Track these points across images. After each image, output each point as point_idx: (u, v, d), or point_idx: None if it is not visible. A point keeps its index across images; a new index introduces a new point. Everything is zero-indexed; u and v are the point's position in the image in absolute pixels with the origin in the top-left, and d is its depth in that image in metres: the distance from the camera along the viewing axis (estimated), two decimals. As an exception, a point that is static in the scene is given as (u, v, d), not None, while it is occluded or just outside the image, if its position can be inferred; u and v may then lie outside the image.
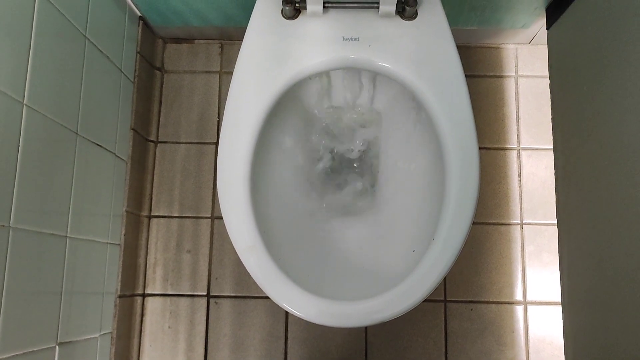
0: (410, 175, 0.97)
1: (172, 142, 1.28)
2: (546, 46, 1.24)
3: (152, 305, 1.21)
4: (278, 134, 0.96)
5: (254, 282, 1.19)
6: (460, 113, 0.83)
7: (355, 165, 1.07)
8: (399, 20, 0.86)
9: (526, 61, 1.30)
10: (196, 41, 1.32)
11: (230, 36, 1.30)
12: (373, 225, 0.99)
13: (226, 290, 1.21)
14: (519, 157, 1.26)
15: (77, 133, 0.92)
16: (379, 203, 1.02)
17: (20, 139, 0.75)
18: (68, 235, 0.90)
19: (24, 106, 0.76)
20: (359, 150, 1.07)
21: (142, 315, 1.21)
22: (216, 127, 1.29)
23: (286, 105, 0.97)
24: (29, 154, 0.77)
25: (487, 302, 1.21)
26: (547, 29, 1.15)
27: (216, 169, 0.83)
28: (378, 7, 0.84)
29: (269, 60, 0.85)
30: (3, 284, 0.72)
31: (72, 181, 0.91)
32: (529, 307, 1.20)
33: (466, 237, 0.79)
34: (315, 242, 0.96)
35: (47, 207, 0.83)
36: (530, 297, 1.21)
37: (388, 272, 0.86)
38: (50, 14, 0.82)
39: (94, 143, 0.99)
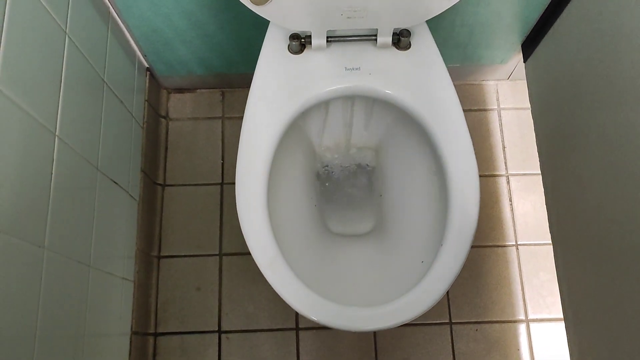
0: (412, 194, 1.04)
1: (179, 185, 1.33)
2: (523, 81, 1.36)
3: (164, 344, 1.22)
4: (288, 160, 1.03)
5: (265, 315, 1.23)
6: (456, 130, 0.90)
7: (359, 186, 1.13)
8: (394, 50, 0.95)
9: (507, 95, 1.41)
10: (198, 90, 1.40)
11: (231, 84, 1.38)
12: (381, 243, 1.04)
13: (237, 325, 1.24)
14: (508, 182, 1.34)
15: (97, 168, 0.97)
16: (385, 222, 1.08)
17: (53, 167, 0.81)
18: (91, 265, 0.93)
19: (56, 137, 0.82)
20: (361, 173, 1.14)
21: (155, 354, 1.21)
22: (220, 169, 1.35)
23: (293, 135, 1.04)
24: (60, 181, 0.82)
25: (491, 322, 1.25)
26: (524, 62, 1.26)
27: (234, 191, 0.88)
28: (376, 39, 0.93)
29: (280, 91, 0.92)
30: (38, 305, 0.75)
31: (94, 213, 0.95)
32: (532, 325, 1.25)
33: (472, 241, 0.85)
34: (327, 261, 1.01)
35: (74, 235, 0.87)
36: (531, 315, 1.25)
37: (400, 281, 0.91)
38: (76, 55, 0.90)
39: (112, 180, 1.04)
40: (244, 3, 0.84)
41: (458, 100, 0.92)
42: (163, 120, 1.37)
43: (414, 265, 0.91)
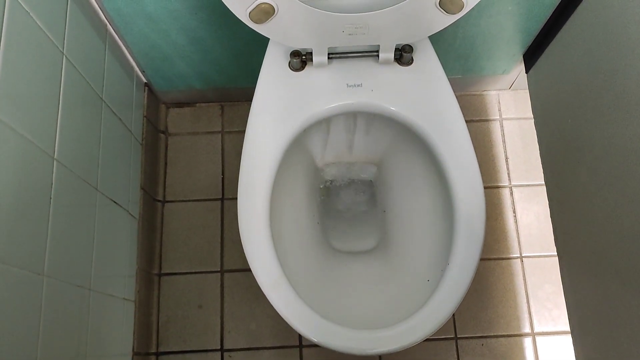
0: (416, 210, 1.02)
1: (179, 201, 1.32)
2: (524, 91, 1.35)
3: (166, 364, 1.21)
4: (290, 178, 1.01)
5: (267, 333, 1.21)
6: (460, 147, 0.89)
7: (361, 202, 1.12)
8: (397, 66, 0.93)
9: (508, 105, 1.39)
10: (197, 104, 1.39)
11: (230, 98, 1.37)
12: (385, 261, 1.03)
13: (239, 343, 1.22)
14: (511, 194, 1.33)
15: (97, 189, 0.96)
16: (389, 239, 1.06)
17: (52, 192, 0.79)
18: (91, 288, 0.92)
19: (55, 161, 0.80)
20: (363, 189, 1.12)
21: (156, 374, 1.20)
22: (220, 184, 1.33)
23: (295, 151, 1.03)
24: (59, 206, 0.81)
25: (497, 336, 1.23)
26: (527, 72, 1.25)
27: (237, 213, 0.87)
28: (378, 55, 0.91)
29: (281, 109, 0.91)
30: (39, 332, 0.74)
31: (93, 235, 0.94)
32: (537, 338, 1.23)
33: (479, 260, 0.83)
34: (331, 280, 0.99)
35: (74, 259, 0.86)
36: (537, 328, 1.24)
37: (405, 302, 0.89)
38: (74, 76, 0.88)
39: (111, 200, 1.02)
40: (244, 21, 0.82)
41: (462, 115, 0.91)
42: (162, 135, 1.35)
43: (420, 285, 0.90)
